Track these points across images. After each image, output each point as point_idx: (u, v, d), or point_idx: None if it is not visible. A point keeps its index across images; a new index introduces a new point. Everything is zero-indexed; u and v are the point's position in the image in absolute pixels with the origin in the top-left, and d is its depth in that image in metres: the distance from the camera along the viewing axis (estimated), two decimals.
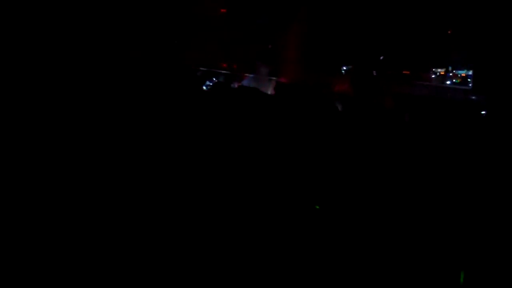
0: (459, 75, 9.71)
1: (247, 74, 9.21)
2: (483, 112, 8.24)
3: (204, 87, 8.86)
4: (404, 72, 9.57)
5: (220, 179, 7.06)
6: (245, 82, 9.01)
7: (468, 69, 9.23)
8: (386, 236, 6.41)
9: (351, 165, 7.72)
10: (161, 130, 7.58)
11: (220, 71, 9.35)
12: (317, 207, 6.97)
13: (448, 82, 9.77)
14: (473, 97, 8.63)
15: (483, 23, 8.72)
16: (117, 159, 7.16)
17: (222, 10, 9.69)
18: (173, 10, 9.32)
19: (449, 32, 9.52)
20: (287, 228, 6.43)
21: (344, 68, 9.52)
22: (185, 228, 6.27)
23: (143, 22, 9.19)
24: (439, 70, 9.90)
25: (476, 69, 8.47)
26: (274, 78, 9.20)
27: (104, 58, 8.58)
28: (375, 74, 9.36)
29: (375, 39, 9.45)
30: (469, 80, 9.20)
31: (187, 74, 8.93)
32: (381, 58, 9.43)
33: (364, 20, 9.45)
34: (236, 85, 9.00)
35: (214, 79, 9.06)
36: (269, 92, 8.89)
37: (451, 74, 9.56)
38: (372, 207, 6.93)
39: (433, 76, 9.72)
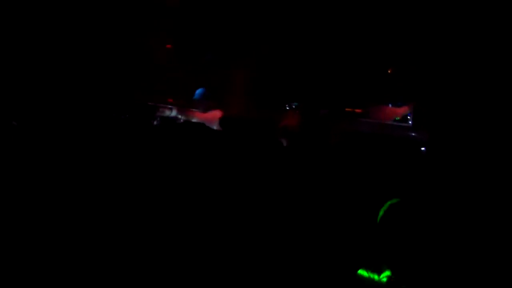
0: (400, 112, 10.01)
1: (192, 109, 9.21)
2: (422, 149, 8.48)
3: (154, 122, 8.80)
4: (347, 109, 9.79)
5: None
6: (189, 116, 9.00)
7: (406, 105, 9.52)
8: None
9: (296, 204, 7.76)
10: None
11: (167, 105, 9.30)
12: None
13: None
14: (413, 134, 8.88)
15: (421, 61, 9.07)
16: None
17: (168, 46, 9.72)
18: (119, 44, 9.27)
19: (389, 71, 9.87)
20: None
21: (292, 104, 9.65)
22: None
23: (88, 58, 9.09)
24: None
25: (415, 106, 8.77)
26: (218, 111, 9.23)
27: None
28: (321, 111, 9.53)
29: (320, 76, 9.66)
30: (408, 117, 9.47)
31: (135, 109, 8.86)
32: (325, 95, 9.63)
33: (308, 55, 9.68)
34: (182, 120, 8.96)
35: (160, 113, 9.00)
36: (214, 127, 8.89)
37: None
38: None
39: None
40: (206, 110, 9.26)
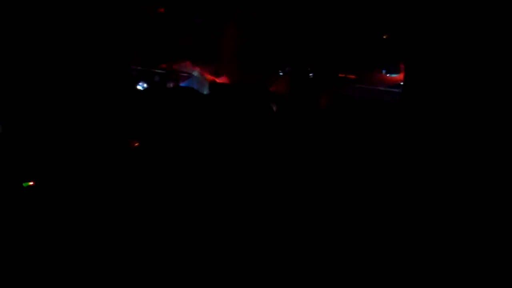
0: (391, 78, 10.01)
1: (183, 74, 9.19)
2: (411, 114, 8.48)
3: (139, 87, 8.78)
4: (340, 75, 9.78)
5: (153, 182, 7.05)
6: (181, 82, 8.99)
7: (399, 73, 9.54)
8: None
9: (285, 165, 7.83)
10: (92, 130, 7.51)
11: (157, 70, 9.29)
12: None
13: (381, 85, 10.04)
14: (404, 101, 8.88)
15: (415, 28, 8.98)
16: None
17: (160, 10, 9.63)
18: (111, 9, 9.18)
19: (384, 36, 9.80)
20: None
21: (283, 69, 9.64)
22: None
23: (80, 21, 9.02)
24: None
25: (406, 73, 8.74)
26: (210, 78, 9.22)
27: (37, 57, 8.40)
28: (311, 76, 9.52)
29: (313, 41, 9.60)
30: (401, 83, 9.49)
31: (122, 73, 8.83)
32: (318, 60, 9.60)
33: (302, 22, 9.59)
34: (171, 85, 8.96)
35: (150, 78, 8.98)
36: (205, 92, 8.90)
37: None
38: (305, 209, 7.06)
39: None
40: (197, 75, 9.26)
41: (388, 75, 9.95)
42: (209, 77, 9.02)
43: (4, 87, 7.99)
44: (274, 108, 8.83)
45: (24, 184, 6.81)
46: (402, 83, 9.34)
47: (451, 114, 7.51)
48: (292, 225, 6.73)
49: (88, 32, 8.87)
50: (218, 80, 9.03)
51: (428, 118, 7.80)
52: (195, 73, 9.03)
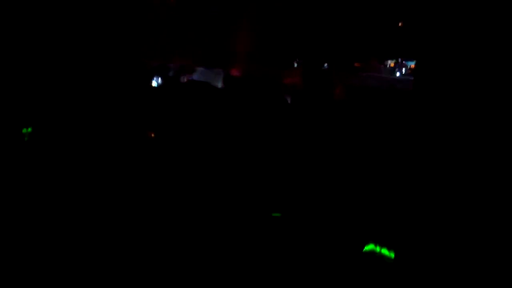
0: (408, 67, 9.92)
1: (197, 67, 9.18)
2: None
3: (154, 82, 8.78)
4: (356, 64, 9.71)
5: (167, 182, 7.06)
6: (195, 76, 8.98)
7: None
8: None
9: (306, 160, 7.81)
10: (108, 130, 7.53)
11: (171, 64, 9.28)
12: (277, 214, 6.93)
13: (397, 74, 9.97)
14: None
15: (430, 16, 8.86)
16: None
17: (172, 1, 9.62)
18: (122, 4, 9.19)
19: (400, 24, 9.69)
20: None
21: (296, 61, 9.60)
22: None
23: (91, 15, 9.03)
24: (389, 61, 10.09)
25: (418, 61, 8.63)
26: (224, 70, 9.20)
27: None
28: (326, 66, 9.46)
29: (327, 32, 9.53)
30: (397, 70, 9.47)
31: (136, 68, 8.84)
32: (332, 50, 9.53)
33: (314, 12, 9.52)
34: (185, 79, 8.96)
35: (164, 73, 8.98)
36: (219, 86, 8.89)
37: (399, 65, 9.78)
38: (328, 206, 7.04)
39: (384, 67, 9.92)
40: (210, 68, 9.25)
41: (404, 62, 9.88)
42: (224, 70, 8.99)
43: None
44: (289, 100, 8.78)
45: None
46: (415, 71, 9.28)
47: (463, 103, 7.41)
48: (309, 221, 6.72)
49: (100, 28, 8.87)
50: (232, 73, 9.00)
51: (440, 106, 7.73)
52: (209, 66, 9.00)
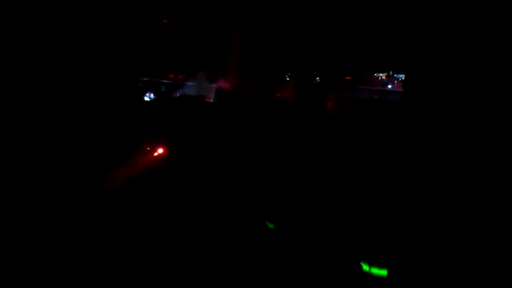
0: (399, 79, 10.03)
1: (190, 83, 9.25)
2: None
3: (146, 98, 8.82)
4: (347, 77, 9.80)
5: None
6: (186, 90, 9.04)
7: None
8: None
9: (300, 171, 7.83)
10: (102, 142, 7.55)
11: (163, 80, 9.35)
12: (270, 225, 6.94)
13: (389, 86, 10.08)
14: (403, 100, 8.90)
15: (419, 28, 8.96)
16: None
17: (164, 21, 9.71)
18: (114, 20, 9.26)
19: (389, 36, 9.80)
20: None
21: (289, 74, 9.69)
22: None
23: (83, 32, 9.09)
24: (381, 74, 10.21)
25: (407, 73, 8.73)
26: (215, 85, 9.26)
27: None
28: (317, 80, 9.55)
29: (317, 46, 9.63)
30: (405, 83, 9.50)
31: (128, 84, 8.88)
32: (324, 64, 9.62)
33: (305, 26, 9.62)
34: (178, 94, 9.02)
35: (156, 89, 9.04)
36: (211, 100, 8.94)
37: (391, 78, 9.91)
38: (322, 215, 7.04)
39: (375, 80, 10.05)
40: (201, 82, 9.31)
41: (395, 75, 9.99)
42: (215, 84, 9.05)
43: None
44: (282, 113, 8.83)
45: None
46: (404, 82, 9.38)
47: (453, 112, 7.48)
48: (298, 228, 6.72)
49: (92, 45, 8.93)
50: (224, 87, 9.06)
51: (430, 115, 7.78)
52: (201, 80, 9.07)
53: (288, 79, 9.62)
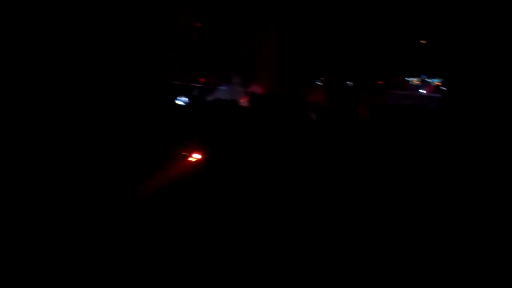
0: (432, 84, 9.91)
1: (222, 87, 9.27)
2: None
3: (179, 101, 8.87)
4: (379, 82, 9.72)
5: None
6: (220, 95, 9.06)
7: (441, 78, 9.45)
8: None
9: (333, 174, 7.79)
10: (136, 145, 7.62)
11: (196, 84, 9.39)
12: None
13: (422, 91, 9.96)
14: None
15: (454, 33, 8.88)
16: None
17: (197, 24, 9.75)
18: (147, 24, 9.36)
19: (422, 41, 9.70)
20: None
21: (320, 78, 9.64)
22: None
23: (116, 36, 9.19)
24: (413, 79, 10.10)
25: (445, 78, 8.65)
26: (248, 89, 9.27)
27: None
28: (351, 84, 9.48)
29: (348, 50, 9.58)
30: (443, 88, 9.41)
31: (161, 88, 8.95)
32: (356, 68, 9.56)
33: (338, 30, 9.58)
34: (211, 98, 9.04)
35: (189, 93, 9.08)
36: (244, 104, 8.95)
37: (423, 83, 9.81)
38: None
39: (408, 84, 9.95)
40: (235, 87, 9.32)
41: (429, 80, 9.87)
42: (248, 88, 9.06)
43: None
44: (314, 118, 8.80)
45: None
46: (442, 88, 9.27)
47: (491, 117, 7.38)
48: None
49: (126, 49, 9.04)
50: (257, 92, 9.07)
51: (468, 121, 7.69)
52: (234, 85, 9.08)
53: (319, 83, 9.58)
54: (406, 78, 10.06)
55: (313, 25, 9.55)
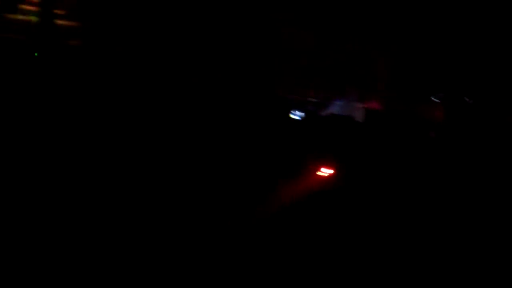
0: None
1: (337, 101, 9.13)
2: None
3: (293, 116, 8.80)
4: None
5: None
6: (335, 110, 8.92)
7: None
8: None
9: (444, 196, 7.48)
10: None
11: (310, 99, 9.32)
12: None
13: None
14: None
15: None
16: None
17: (314, 37, 9.67)
18: (262, 38, 9.42)
19: None
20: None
21: (436, 95, 9.26)
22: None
23: (230, 50, 9.33)
24: None
25: None
26: (363, 105, 9.09)
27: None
28: (470, 102, 9.01)
29: (468, 63, 9.15)
30: None
31: (275, 102, 8.95)
32: (477, 84, 9.10)
33: (455, 45, 9.20)
34: (326, 114, 8.91)
35: (303, 107, 9.00)
36: (359, 120, 8.76)
37: None
38: None
39: None
40: (350, 102, 9.17)
41: None
42: (363, 104, 8.87)
43: None
44: (432, 136, 8.46)
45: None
46: None
47: None
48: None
49: (242, 62, 9.14)
50: (372, 107, 8.86)
51: None
52: (349, 100, 8.93)
53: (436, 100, 9.19)
54: None
55: (431, 39, 9.23)
